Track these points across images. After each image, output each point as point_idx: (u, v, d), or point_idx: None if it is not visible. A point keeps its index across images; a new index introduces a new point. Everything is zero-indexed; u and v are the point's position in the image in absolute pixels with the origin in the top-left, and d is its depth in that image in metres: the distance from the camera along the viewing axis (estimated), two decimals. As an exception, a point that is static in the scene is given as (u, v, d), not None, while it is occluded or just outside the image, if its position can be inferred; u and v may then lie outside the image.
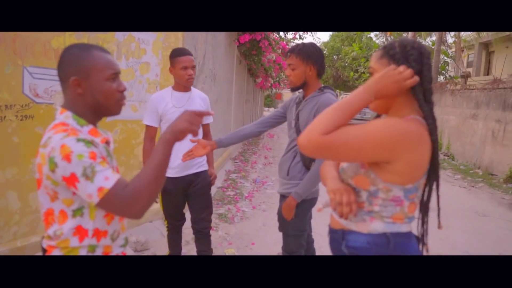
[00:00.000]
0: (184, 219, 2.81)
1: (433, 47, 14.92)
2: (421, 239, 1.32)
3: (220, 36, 6.14)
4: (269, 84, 14.54)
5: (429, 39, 17.42)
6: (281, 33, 8.89)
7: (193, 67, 2.50)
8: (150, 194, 1.11)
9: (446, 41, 15.06)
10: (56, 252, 1.19)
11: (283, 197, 2.31)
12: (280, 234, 2.40)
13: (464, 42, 17.60)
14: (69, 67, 1.20)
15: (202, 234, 2.71)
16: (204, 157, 2.70)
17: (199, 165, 2.67)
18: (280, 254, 3.02)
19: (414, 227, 1.32)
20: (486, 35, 13.26)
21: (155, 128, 2.61)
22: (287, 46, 9.53)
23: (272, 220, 4.50)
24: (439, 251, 3.91)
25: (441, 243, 4.16)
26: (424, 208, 1.30)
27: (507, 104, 8.10)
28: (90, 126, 1.24)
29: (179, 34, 3.95)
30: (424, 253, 1.28)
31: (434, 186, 1.29)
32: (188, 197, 2.69)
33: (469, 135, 9.68)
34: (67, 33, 2.92)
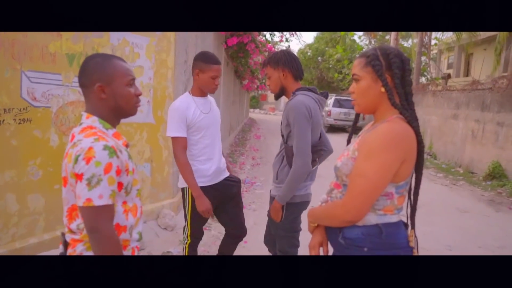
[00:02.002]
0: (202, 234, 2.69)
1: (415, 49, 15.31)
2: (410, 226, 1.46)
3: (209, 40, 6.23)
4: (256, 86, 14.67)
5: (410, 41, 17.85)
6: (268, 36, 9.03)
7: (220, 76, 2.48)
8: (103, 249, 1.23)
9: (428, 43, 15.45)
10: (79, 246, 1.30)
11: (273, 199, 2.37)
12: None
13: (444, 45, 18.08)
14: (94, 74, 1.31)
15: (236, 241, 2.72)
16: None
17: (226, 169, 2.70)
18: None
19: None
20: (464, 38, 13.68)
21: (185, 138, 2.42)
22: (273, 48, 9.67)
23: (262, 219, 4.60)
24: (423, 245, 4.08)
25: (424, 238, 4.34)
26: (413, 200, 1.46)
27: (485, 105, 8.41)
28: (114, 130, 1.37)
29: (172, 38, 4.03)
30: (413, 241, 1.41)
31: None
32: (226, 202, 2.63)
33: (450, 134, 9.99)
34: (64, 38, 2.98)
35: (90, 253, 1.29)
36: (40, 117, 2.89)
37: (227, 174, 2.67)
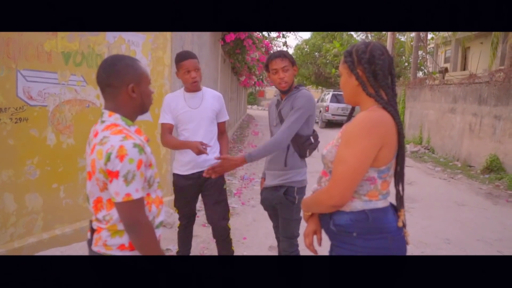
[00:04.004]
0: (194, 218, 2.86)
1: (411, 43, 15.30)
2: (396, 210, 1.52)
3: (205, 36, 6.21)
4: (253, 82, 14.65)
5: (408, 35, 17.84)
6: (265, 32, 9.01)
7: (197, 69, 2.55)
8: (144, 240, 1.36)
9: (424, 38, 15.43)
10: (104, 233, 1.40)
11: (280, 187, 2.44)
12: (270, 228, 2.56)
13: (441, 39, 18.06)
14: (126, 75, 1.40)
15: (221, 238, 2.75)
16: (217, 152, 2.74)
17: (211, 161, 2.62)
18: (272, 245, 3.12)
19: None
20: (461, 32, 13.68)
21: (171, 124, 2.67)
22: (270, 44, 9.66)
23: (261, 215, 4.62)
24: (422, 239, 4.11)
25: (423, 232, 4.36)
26: (397, 183, 1.53)
27: (483, 98, 8.43)
28: (136, 127, 1.45)
29: (168, 35, 4.02)
30: (400, 223, 1.47)
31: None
32: (202, 193, 2.74)
33: (448, 128, 10.01)
34: (59, 36, 2.96)
35: (114, 240, 1.39)
36: (36, 116, 2.88)
37: (205, 167, 2.60)
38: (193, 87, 2.60)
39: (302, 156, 2.43)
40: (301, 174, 2.45)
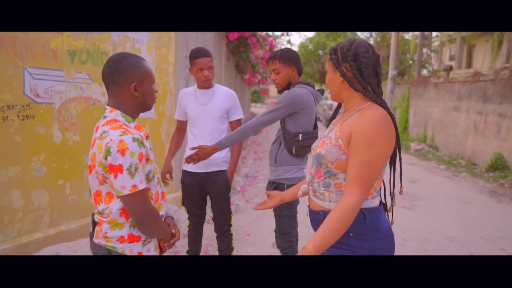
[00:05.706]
0: (203, 217, 2.84)
1: (415, 41, 15.24)
2: (388, 209, 1.56)
3: (210, 34, 6.23)
4: (257, 80, 14.66)
5: (411, 33, 17.74)
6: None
7: (210, 67, 2.55)
8: (154, 226, 1.45)
9: (429, 35, 15.35)
10: (105, 225, 1.44)
11: (272, 183, 2.52)
12: (274, 225, 2.58)
13: (446, 36, 17.97)
14: (130, 74, 1.43)
15: (222, 233, 2.79)
16: (227, 156, 2.72)
17: (221, 164, 2.69)
18: (275, 243, 3.12)
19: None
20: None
21: (183, 121, 2.77)
22: (274, 42, 9.65)
23: (265, 212, 4.64)
24: (425, 237, 4.11)
25: (427, 229, 4.37)
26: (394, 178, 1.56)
27: (487, 97, 8.39)
28: (135, 123, 1.48)
29: (172, 33, 4.04)
30: (390, 223, 1.51)
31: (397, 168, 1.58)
32: (209, 195, 2.76)
33: (452, 127, 9.97)
34: (65, 35, 2.99)
35: (114, 232, 1.43)
36: (43, 114, 2.91)
37: (219, 169, 2.68)
38: (205, 84, 2.61)
39: (290, 153, 2.43)
40: (291, 172, 2.44)
